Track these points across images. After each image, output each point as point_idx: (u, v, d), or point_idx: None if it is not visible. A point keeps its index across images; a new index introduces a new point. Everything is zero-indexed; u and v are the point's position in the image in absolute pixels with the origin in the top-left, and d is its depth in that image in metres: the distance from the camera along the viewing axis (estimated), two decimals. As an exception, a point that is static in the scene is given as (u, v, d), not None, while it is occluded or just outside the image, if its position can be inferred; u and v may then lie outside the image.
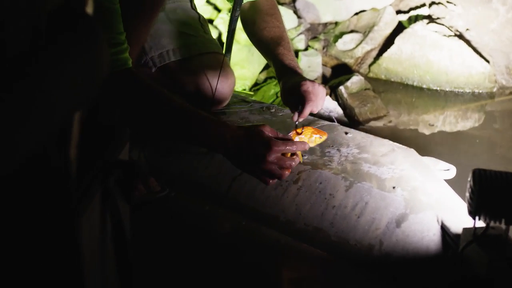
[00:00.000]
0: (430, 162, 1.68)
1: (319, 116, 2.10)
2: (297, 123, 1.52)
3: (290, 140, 1.41)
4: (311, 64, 3.19)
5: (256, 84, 3.09)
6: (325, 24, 3.56)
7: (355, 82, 3.04)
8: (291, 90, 1.55)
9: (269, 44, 1.72)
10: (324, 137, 1.55)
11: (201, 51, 1.86)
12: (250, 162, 1.37)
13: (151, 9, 1.55)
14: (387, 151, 1.69)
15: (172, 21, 1.84)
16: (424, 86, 3.24)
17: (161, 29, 1.81)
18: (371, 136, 1.78)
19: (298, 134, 1.50)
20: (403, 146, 1.73)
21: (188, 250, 1.47)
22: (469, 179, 1.18)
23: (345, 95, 2.96)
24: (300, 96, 1.51)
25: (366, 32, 3.42)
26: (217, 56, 1.88)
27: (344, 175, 1.57)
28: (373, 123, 2.88)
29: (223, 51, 1.98)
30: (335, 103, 2.81)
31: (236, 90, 3.02)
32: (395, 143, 1.75)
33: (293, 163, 1.38)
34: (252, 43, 1.84)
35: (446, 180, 1.60)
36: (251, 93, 3.00)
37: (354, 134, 1.79)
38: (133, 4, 1.46)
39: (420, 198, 1.46)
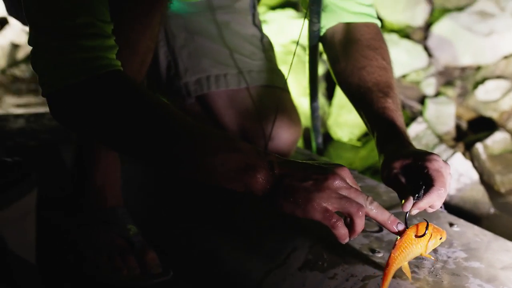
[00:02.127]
0: None
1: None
2: (407, 215, 0.95)
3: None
4: (440, 115, 2.54)
5: (366, 134, 2.51)
6: (463, 69, 2.88)
7: (498, 140, 2.36)
8: (407, 165, 0.97)
9: (370, 91, 1.13)
10: (444, 238, 0.98)
11: (256, 82, 1.35)
12: (302, 190, 0.81)
13: None
14: (513, 261, 1.06)
15: (222, 37, 1.36)
16: None
17: (204, 46, 1.34)
18: (490, 235, 1.16)
19: (418, 236, 0.93)
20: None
21: None
22: None
23: (483, 156, 2.28)
24: (422, 176, 0.94)
25: (517, 79, 2.70)
26: (278, 93, 1.36)
27: (436, 294, 0.96)
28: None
29: (307, 83, 1.45)
30: (469, 163, 2.12)
31: (342, 140, 2.49)
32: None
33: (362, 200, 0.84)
34: (341, 87, 1.24)
35: None
36: (358, 144, 2.44)
37: (463, 228, 1.17)
38: None
39: None
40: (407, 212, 0.94)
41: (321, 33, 1.26)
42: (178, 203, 1.35)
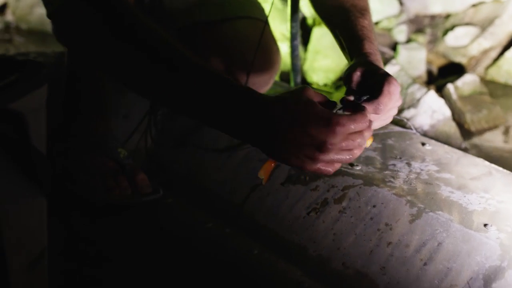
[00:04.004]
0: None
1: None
2: (337, 110, 0.90)
3: (353, 115, 0.83)
4: (412, 60, 2.61)
5: (341, 78, 2.57)
6: (433, 16, 2.95)
7: (468, 82, 2.42)
8: (368, 75, 0.96)
9: (348, 11, 1.12)
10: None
11: (235, 13, 1.39)
12: (302, 147, 0.81)
13: None
14: (480, 173, 1.14)
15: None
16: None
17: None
18: (459, 152, 1.24)
19: None
20: (506, 171, 1.17)
21: (178, 278, 1.01)
22: None
23: (454, 96, 2.35)
24: (375, 89, 0.92)
25: (484, 26, 2.78)
26: (259, 24, 1.40)
27: (411, 199, 1.04)
28: (486, 138, 2.23)
29: (289, 21, 1.50)
30: (442, 100, 2.18)
31: (318, 84, 2.54)
32: (494, 165, 1.19)
33: (362, 140, 0.82)
34: (317, 10, 1.23)
35: None
36: (331, 91, 2.49)
37: (435, 147, 1.25)
38: None
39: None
40: (339, 108, 0.91)
41: None
42: (165, 129, 1.41)
